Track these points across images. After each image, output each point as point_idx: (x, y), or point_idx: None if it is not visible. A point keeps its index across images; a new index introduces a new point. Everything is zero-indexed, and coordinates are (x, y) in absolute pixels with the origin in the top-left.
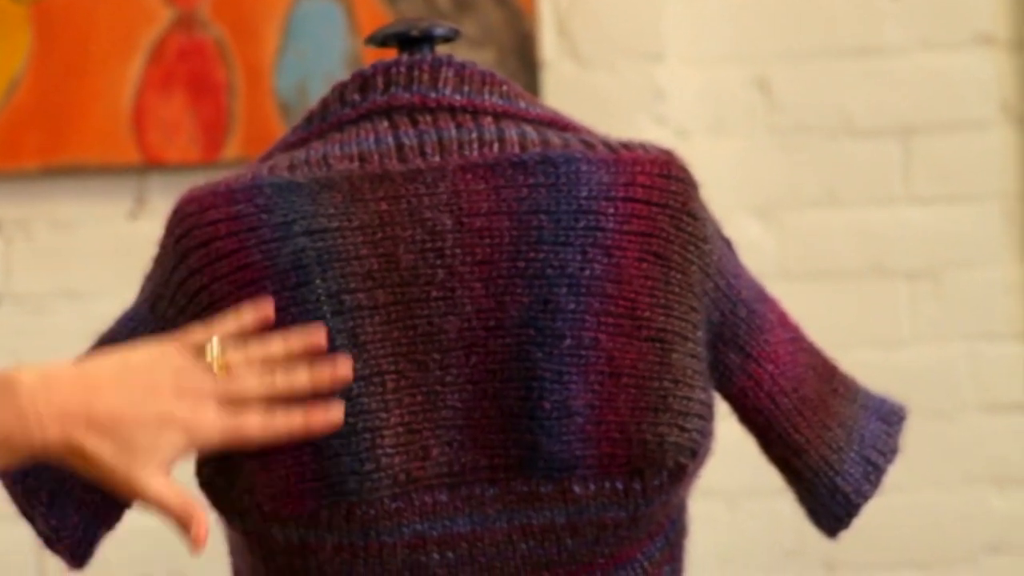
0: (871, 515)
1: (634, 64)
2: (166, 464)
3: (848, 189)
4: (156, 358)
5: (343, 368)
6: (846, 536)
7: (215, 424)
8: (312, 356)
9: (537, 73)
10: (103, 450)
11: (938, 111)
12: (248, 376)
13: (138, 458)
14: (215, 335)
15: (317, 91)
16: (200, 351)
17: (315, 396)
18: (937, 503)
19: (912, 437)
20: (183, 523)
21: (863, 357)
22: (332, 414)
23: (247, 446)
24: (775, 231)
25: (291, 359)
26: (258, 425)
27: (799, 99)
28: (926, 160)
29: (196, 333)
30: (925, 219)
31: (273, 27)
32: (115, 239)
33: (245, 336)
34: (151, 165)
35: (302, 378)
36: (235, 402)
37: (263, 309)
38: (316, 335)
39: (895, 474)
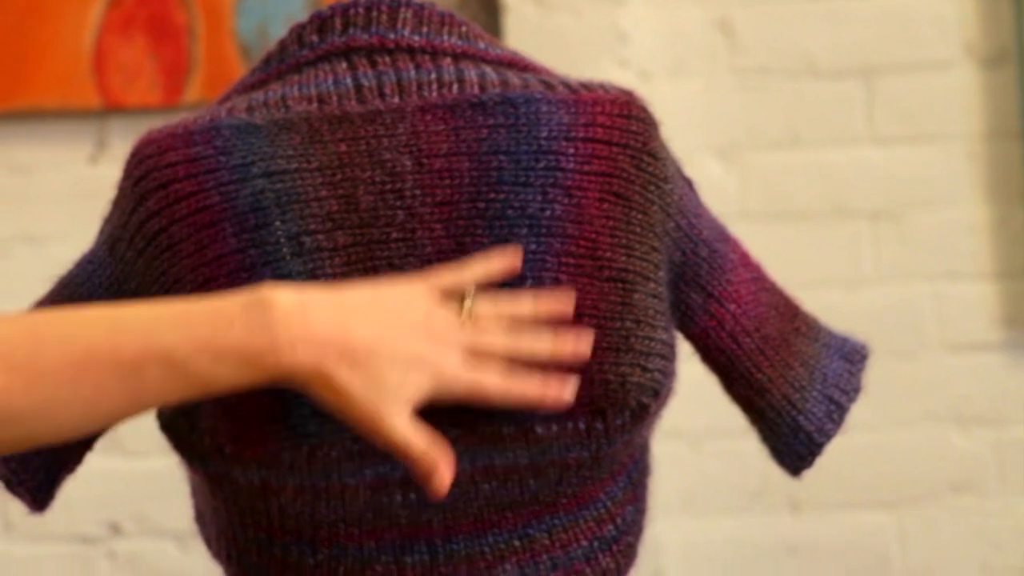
0: (835, 454)
1: (595, 6)
2: (411, 406)
3: (810, 130)
4: (409, 296)
5: (584, 344)
6: (810, 476)
7: (460, 374)
8: (557, 322)
9: (499, 16)
10: (354, 383)
11: (901, 51)
12: (496, 331)
13: (386, 396)
14: (467, 281)
15: (278, 33)
16: (449, 295)
17: (553, 366)
18: (901, 442)
19: (876, 377)
20: (426, 469)
21: (826, 297)
22: (567, 391)
23: (486, 401)
24: (737, 172)
25: (537, 322)
26: (497, 385)
27: (761, 40)
28: (888, 100)
29: (445, 276)
30: (887, 160)
31: None
32: (75, 183)
33: (491, 283)
34: (111, 109)
35: (545, 344)
36: (479, 355)
37: (511, 258)
38: (566, 301)
39: (859, 413)
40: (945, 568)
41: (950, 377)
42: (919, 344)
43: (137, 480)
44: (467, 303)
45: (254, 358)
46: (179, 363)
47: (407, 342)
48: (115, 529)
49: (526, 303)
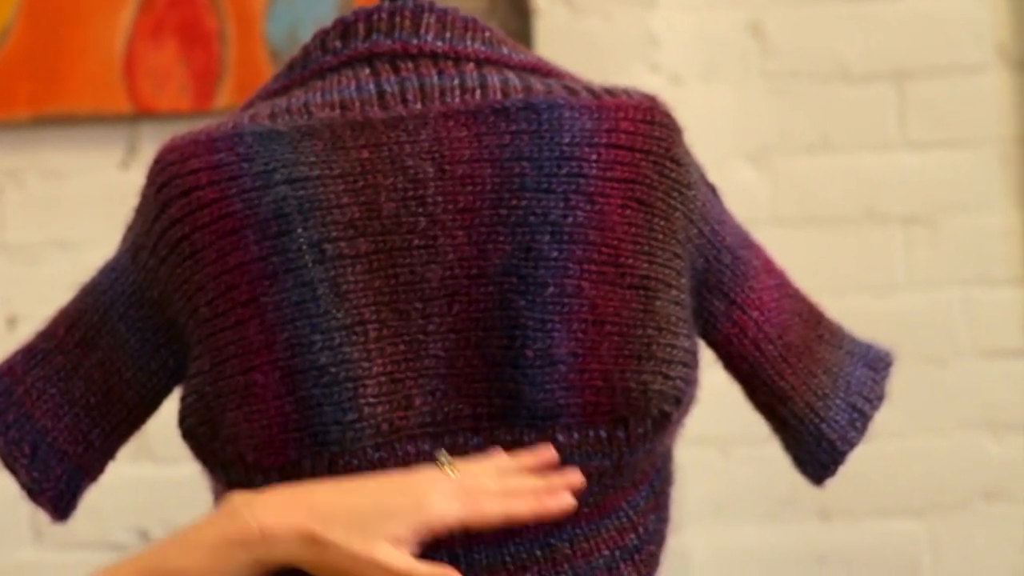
0: (866, 461)
1: (627, 10)
2: (403, 538)
3: (842, 134)
4: (379, 478)
5: (575, 478)
6: (840, 483)
7: (448, 507)
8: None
9: (530, 20)
10: (335, 532)
11: (933, 55)
12: (482, 476)
13: (371, 535)
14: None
15: (308, 37)
16: None
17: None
18: (932, 449)
19: (907, 383)
20: None
21: (857, 303)
22: (565, 500)
23: (484, 526)
24: (769, 177)
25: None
26: (493, 508)
27: (793, 44)
28: (921, 104)
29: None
30: (920, 164)
31: None
32: (107, 188)
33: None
34: (142, 114)
35: (533, 482)
36: (468, 490)
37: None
38: (547, 453)
39: (890, 420)
40: None
41: (982, 383)
42: (951, 350)
43: (166, 487)
44: (443, 459)
45: (225, 543)
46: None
47: (376, 494)
48: (145, 536)
49: (505, 459)
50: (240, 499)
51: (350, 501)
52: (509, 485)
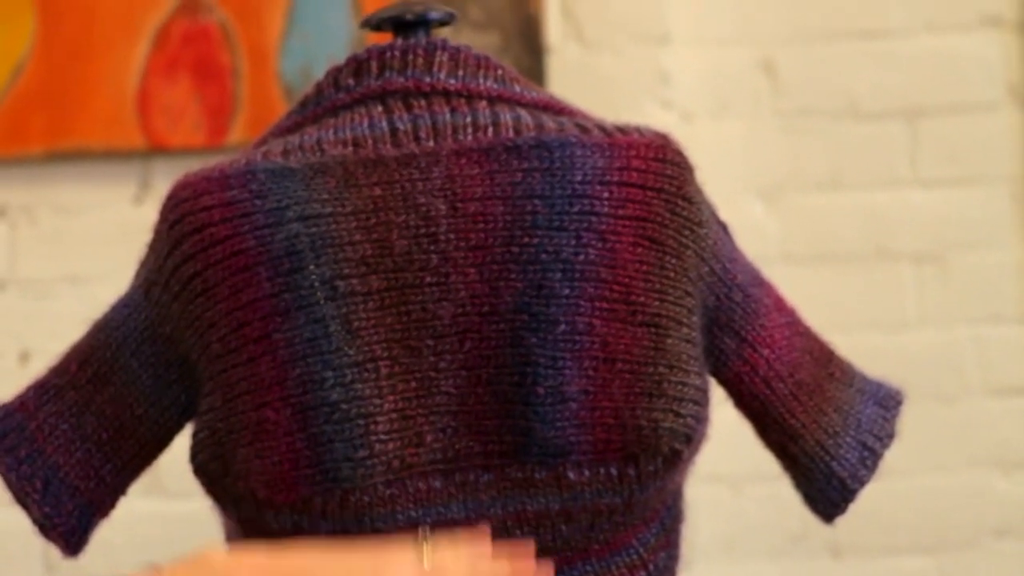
0: (876, 499)
1: (639, 47)
2: None
3: (853, 172)
4: (354, 558)
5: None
6: (851, 521)
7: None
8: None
9: (542, 57)
10: None
11: (944, 93)
12: (453, 565)
13: None
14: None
15: (321, 74)
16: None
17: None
18: (942, 487)
19: (917, 421)
20: None
21: (868, 341)
22: (544, 569)
23: None
24: (780, 214)
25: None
26: None
27: (804, 81)
28: (932, 143)
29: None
30: (931, 202)
31: (277, 10)
32: (120, 224)
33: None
34: (156, 150)
35: (506, 571)
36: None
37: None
38: (526, 554)
39: (900, 458)
40: None
41: (992, 421)
42: (961, 388)
43: (178, 522)
44: (423, 536)
45: None
46: None
47: (351, 564)
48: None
49: (484, 547)
50: (213, 555)
51: (321, 562)
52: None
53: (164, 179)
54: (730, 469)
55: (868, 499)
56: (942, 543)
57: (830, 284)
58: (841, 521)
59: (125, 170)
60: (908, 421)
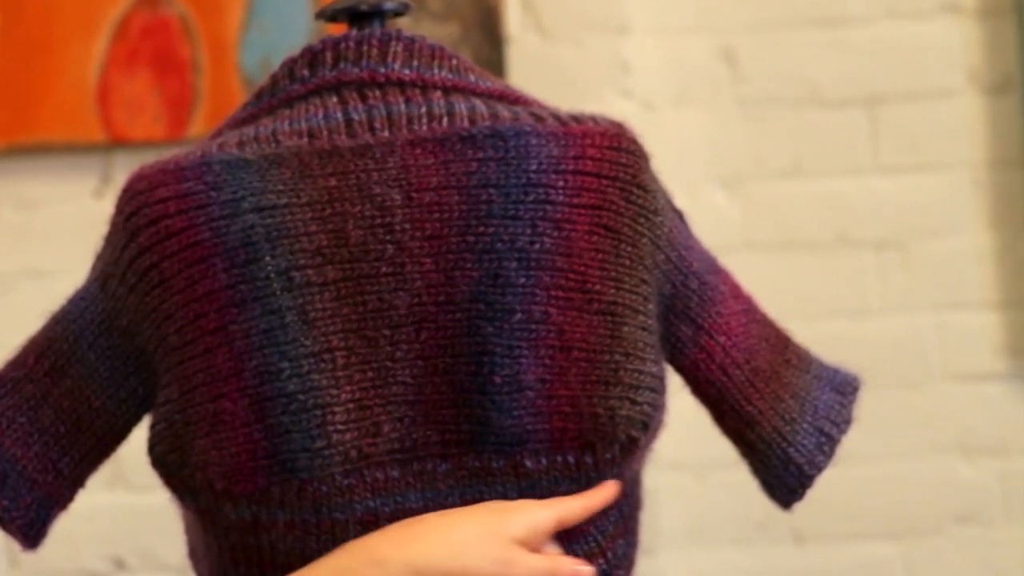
0: (840, 486)
1: (599, 37)
2: None
3: (815, 159)
4: (485, 535)
5: None
6: (815, 507)
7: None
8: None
9: (502, 47)
10: None
11: (905, 80)
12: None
13: None
14: (546, 524)
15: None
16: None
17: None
18: (906, 473)
19: (880, 408)
20: None
21: (831, 328)
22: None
23: None
24: (742, 202)
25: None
26: None
27: (765, 70)
28: (893, 130)
29: (517, 517)
30: (892, 189)
31: (237, 3)
32: (80, 218)
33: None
34: (116, 143)
35: None
36: None
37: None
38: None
39: (863, 445)
40: None
41: (955, 407)
42: (924, 374)
43: (141, 515)
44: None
45: None
46: None
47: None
48: (119, 564)
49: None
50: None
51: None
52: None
53: (125, 172)
54: (694, 457)
55: (831, 485)
56: (906, 529)
57: (793, 272)
58: (804, 508)
59: (86, 163)
60: (871, 408)
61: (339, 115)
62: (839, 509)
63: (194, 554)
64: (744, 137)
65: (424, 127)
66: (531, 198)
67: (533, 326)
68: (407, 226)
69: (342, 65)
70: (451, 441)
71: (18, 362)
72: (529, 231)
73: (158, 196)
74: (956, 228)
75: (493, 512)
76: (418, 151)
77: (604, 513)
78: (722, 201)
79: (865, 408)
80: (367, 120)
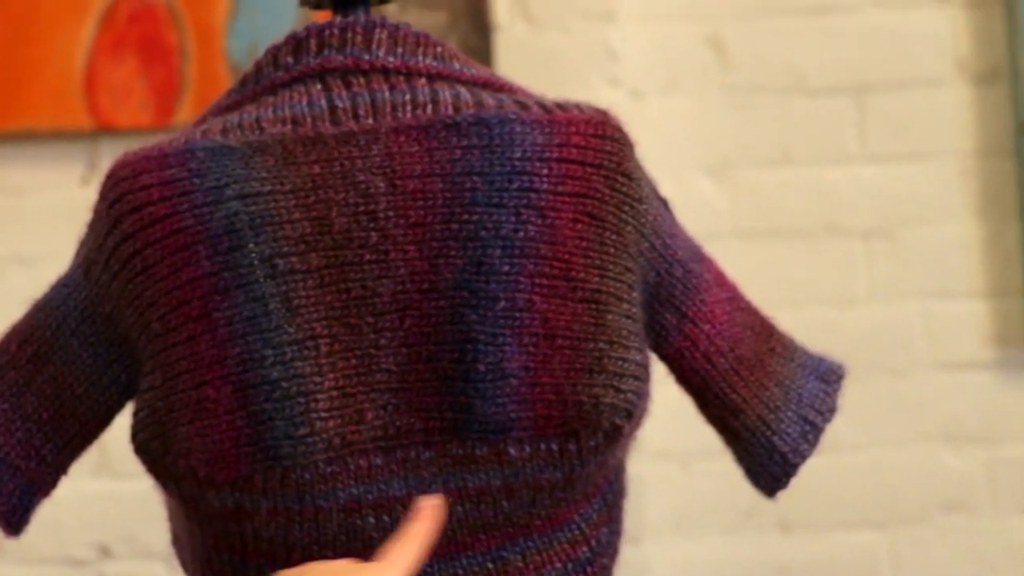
0: (826, 474)
1: (586, 24)
2: None
3: (802, 147)
4: None
5: None
6: (801, 496)
7: None
8: None
9: (490, 35)
10: None
11: (892, 69)
12: None
13: None
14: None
15: None
16: None
17: None
18: (892, 462)
19: (867, 396)
20: None
21: (817, 316)
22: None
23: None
24: (729, 190)
25: None
26: None
27: (752, 57)
28: (880, 118)
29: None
30: (879, 177)
31: None
32: (67, 204)
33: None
34: (103, 130)
35: None
36: None
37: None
38: None
39: (849, 434)
40: None
41: (942, 396)
42: (910, 362)
43: (127, 502)
44: None
45: None
46: None
47: None
48: (105, 551)
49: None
50: None
51: None
52: None
53: (111, 159)
54: (680, 445)
55: (817, 474)
56: (892, 518)
57: (780, 260)
58: (790, 496)
59: (72, 150)
60: (858, 396)
61: (323, 102)
62: (825, 498)
63: (177, 541)
64: (731, 125)
65: (408, 115)
66: (515, 186)
67: (517, 314)
68: (391, 214)
69: (326, 52)
70: (434, 429)
71: (0, 349)
72: (513, 219)
73: (141, 183)
74: (943, 217)
75: None
76: (402, 138)
77: (588, 501)
78: (709, 189)
79: (852, 396)
80: (351, 107)
